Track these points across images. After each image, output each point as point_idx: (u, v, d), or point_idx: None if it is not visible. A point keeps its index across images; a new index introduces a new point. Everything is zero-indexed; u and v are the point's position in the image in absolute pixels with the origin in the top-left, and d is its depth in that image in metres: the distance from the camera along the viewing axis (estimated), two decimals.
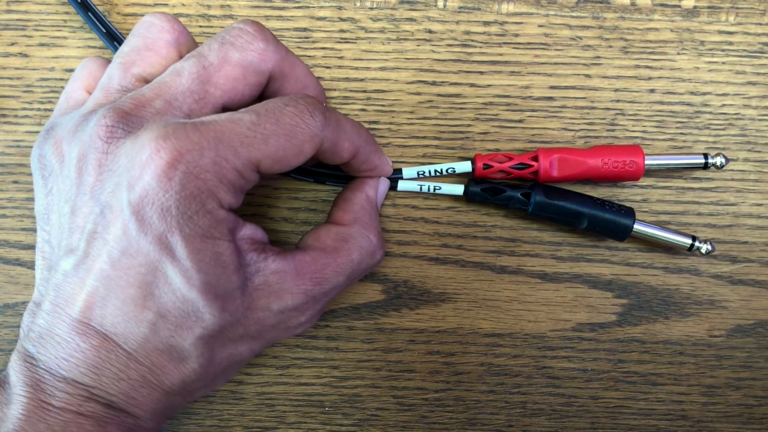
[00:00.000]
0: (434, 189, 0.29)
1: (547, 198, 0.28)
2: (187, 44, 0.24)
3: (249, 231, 0.23)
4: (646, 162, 0.27)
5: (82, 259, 0.21)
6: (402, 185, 0.29)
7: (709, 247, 0.28)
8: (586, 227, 0.28)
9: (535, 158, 0.28)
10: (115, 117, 0.21)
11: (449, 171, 0.28)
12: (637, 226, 0.28)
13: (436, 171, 0.28)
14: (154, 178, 0.19)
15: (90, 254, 0.21)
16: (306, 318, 0.24)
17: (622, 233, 0.28)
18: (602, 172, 0.28)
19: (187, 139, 0.20)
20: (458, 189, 0.29)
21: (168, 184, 0.19)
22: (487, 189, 0.28)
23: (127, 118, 0.21)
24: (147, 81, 0.23)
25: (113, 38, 0.27)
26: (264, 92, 0.25)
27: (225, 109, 0.23)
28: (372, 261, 0.26)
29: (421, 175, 0.29)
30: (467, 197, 0.29)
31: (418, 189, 0.29)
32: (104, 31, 0.27)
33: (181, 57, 0.24)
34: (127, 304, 0.21)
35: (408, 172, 0.29)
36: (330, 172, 0.29)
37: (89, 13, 0.27)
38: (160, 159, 0.19)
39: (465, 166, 0.28)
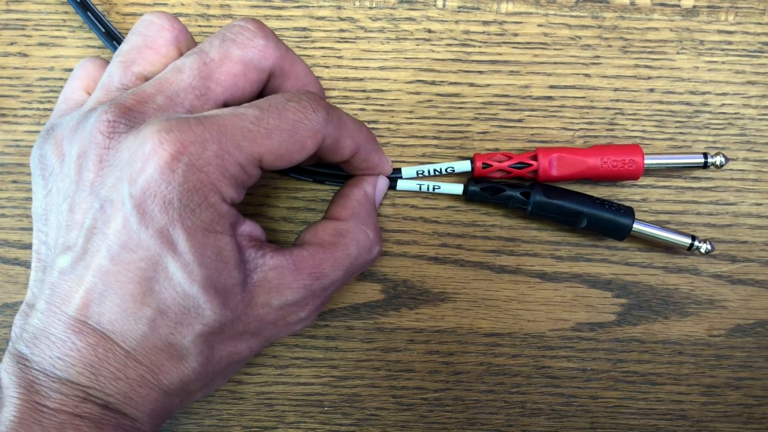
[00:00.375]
0: (433, 188, 0.29)
1: (547, 197, 0.28)
2: (187, 42, 0.24)
3: (248, 228, 0.23)
4: (646, 161, 0.27)
5: (80, 256, 0.21)
6: (401, 185, 0.29)
7: (709, 247, 0.28)
8: (586, 227, 0.28)
9: (535, 157, 0.28)
10: (116, 112, 0.21)
11: (448, 170, 0.28)
12: (636, 226, 0.28)
13: (435, 170, 0.28)
14: (156, 170, 0.19)
15: (89, 250, 0.20)
16: (305, 314, 0.24)
17: (622, 233, 0.28)
18: (601, 172, 0.28)
19: (190, 132, 0.20)
20: (457, 188, 0.29)
21: (171, 176, 0.19)
22: (486, 188, 0.28)
23: (128, 114, 0.21)
24: (147, 79, 0.23)
25: (112, 38, 0.27)
26: (264, 90, 0.25)
27: (226, 105, 0.23)
28: (369, 256, 0.26)
29: (420, 175, 0.29)
30: (466, 197, 0.29)
31: (417, 188, 0.29)
32: (103, 30, 0.27)
33: (180, 55, 0.24)
34: (126, 301, 0.20)
35: (407, 171, 0.29)
36: (329, 172, 0.29)
37: (88, 13, 0.27)
38: (163, 151, 0.19)
39: (464, 166, 0.28)
